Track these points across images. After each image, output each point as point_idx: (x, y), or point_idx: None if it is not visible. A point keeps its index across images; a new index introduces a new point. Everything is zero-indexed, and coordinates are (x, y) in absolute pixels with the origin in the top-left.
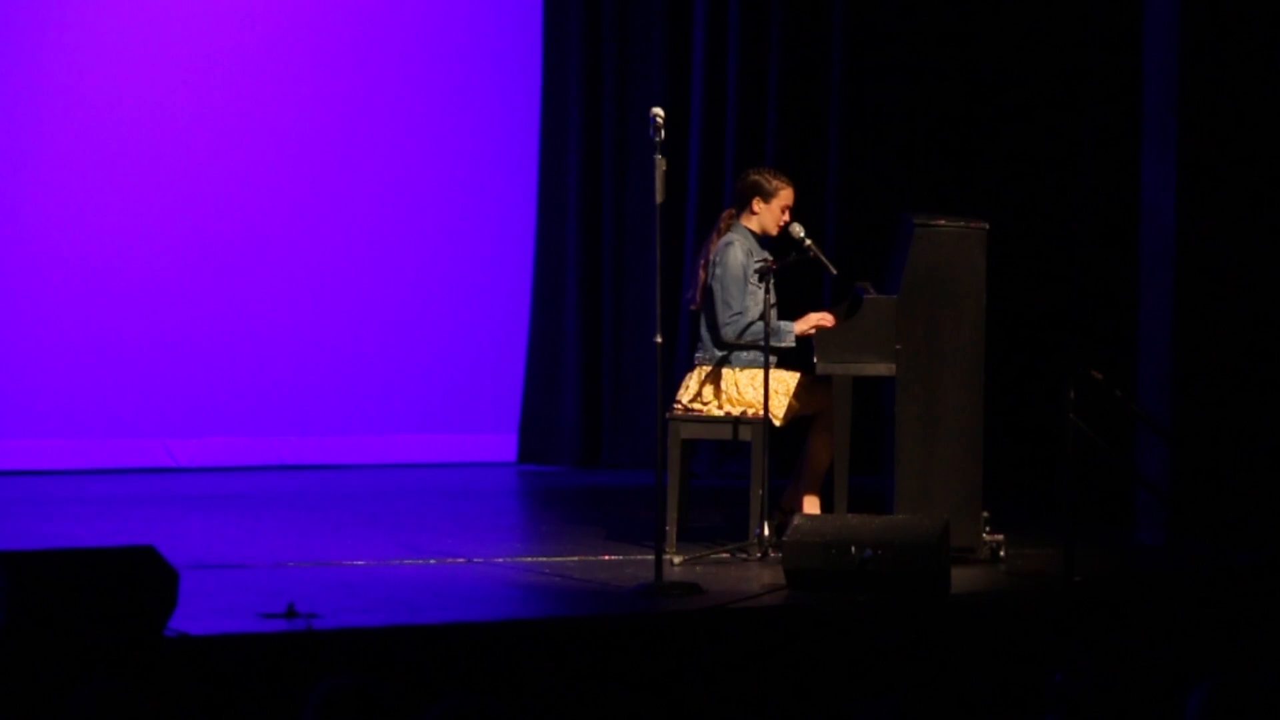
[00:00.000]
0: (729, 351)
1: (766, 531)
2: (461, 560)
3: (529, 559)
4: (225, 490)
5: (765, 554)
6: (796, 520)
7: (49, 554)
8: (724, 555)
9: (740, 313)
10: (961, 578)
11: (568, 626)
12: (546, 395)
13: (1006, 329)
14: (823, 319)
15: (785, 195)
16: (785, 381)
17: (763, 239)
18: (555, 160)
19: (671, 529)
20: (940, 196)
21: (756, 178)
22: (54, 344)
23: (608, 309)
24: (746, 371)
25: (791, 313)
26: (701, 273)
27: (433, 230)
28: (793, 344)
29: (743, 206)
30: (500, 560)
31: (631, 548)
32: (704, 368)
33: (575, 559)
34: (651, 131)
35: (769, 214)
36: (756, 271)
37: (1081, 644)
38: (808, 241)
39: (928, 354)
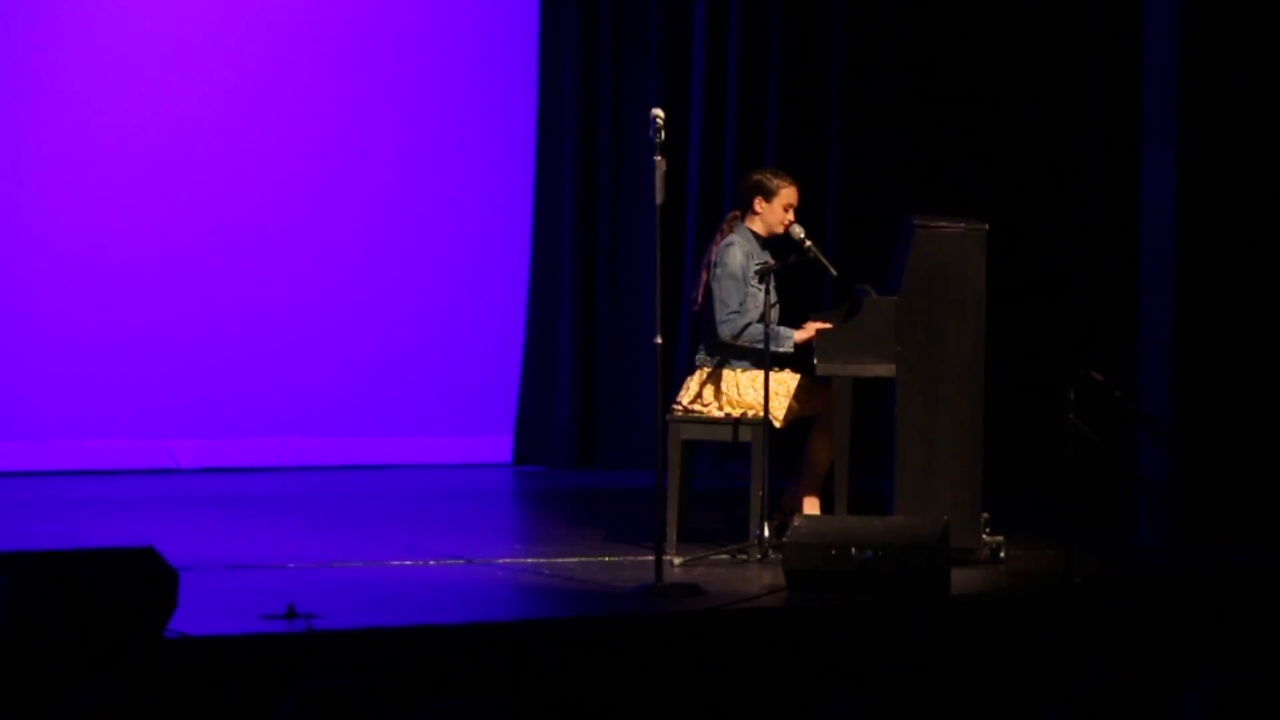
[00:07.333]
0: (729, 353)
1: (766, 532)
2: (460, 561)
3: (528, 560)
4: (225, 491)
5: (765, 555)
6: (796, 521)
7: (49, 554)
8: (724, 556)
9: (737, 311)
10: (961, 578)
11: (568, 627)
12: (542, 397)
13: (1006, 330)
14: (823, 328)
15: (787, 194)
16: (785, 383)
17: (765, 241)
18: (551, 161)
19: (671, 530)
20: (940, 196)
21: (758, 178)
22: (54, 344)
23: (603, 310)
24: (747, 373)
25: (791, 314)
26: (704, 274)
27: (429, 232)
28: (790, 349)
29: (745, 208)
30: (499, 561)
31: (631, 549)
32: (704, 369)
33: (575, 560)
34: (651, 132)
35: (772, 213)
36: (756, 272)
37: (1081, 644)
38: (808, 243)
39: (928, 355)
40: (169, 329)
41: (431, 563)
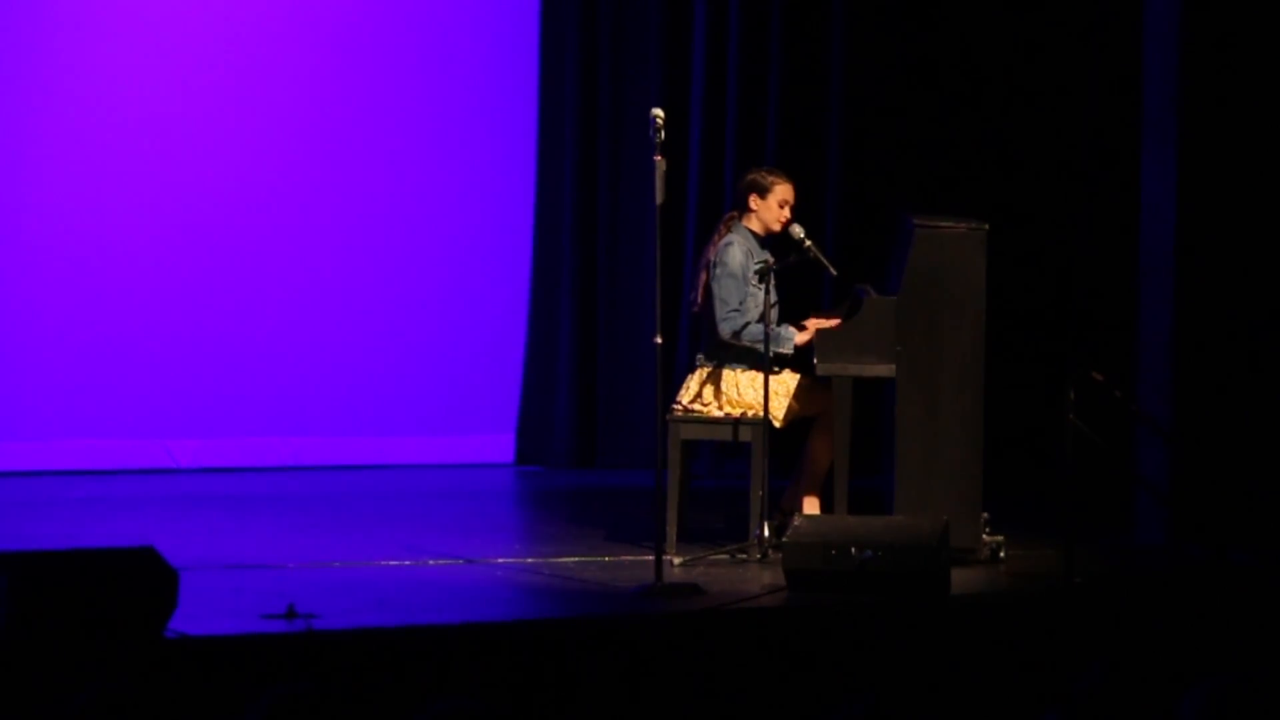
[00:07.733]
0: (729, 353)
1: (766, 532)
2: (461, 561)
3: (528, 560)
4: (225, 491)
5: (765, 555)
6: (796, 521)
7: (49, 554)
8: (724, 556)
9: (737, 310)
10: (961, 578)
11: (568, 627)
12: (543, 396)
13: (1006, 330)
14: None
15: (782, 190)
16: (785, 383)
17: (764, 240)
18: (551, 162)
19: (671, 530)
20: (940, 196)
21: (752, 176)
22: (54, 344)
23: (603, 310)
24: (747, 373)
25: (791, 314)
26: (703, 274)
27: (430, 232)
28: (790, 351)
29: (742, 207)
30: (499, 561)
31: (631, 548)
32: (704, 369)
33: (575, 559)
34: (651, 132)
35: (767, 210)
36: (756, 271)
37: (1081, 644)
38: (808, 242)
39: (928, 355)
40: (169, 329)
41: (431, 562)
